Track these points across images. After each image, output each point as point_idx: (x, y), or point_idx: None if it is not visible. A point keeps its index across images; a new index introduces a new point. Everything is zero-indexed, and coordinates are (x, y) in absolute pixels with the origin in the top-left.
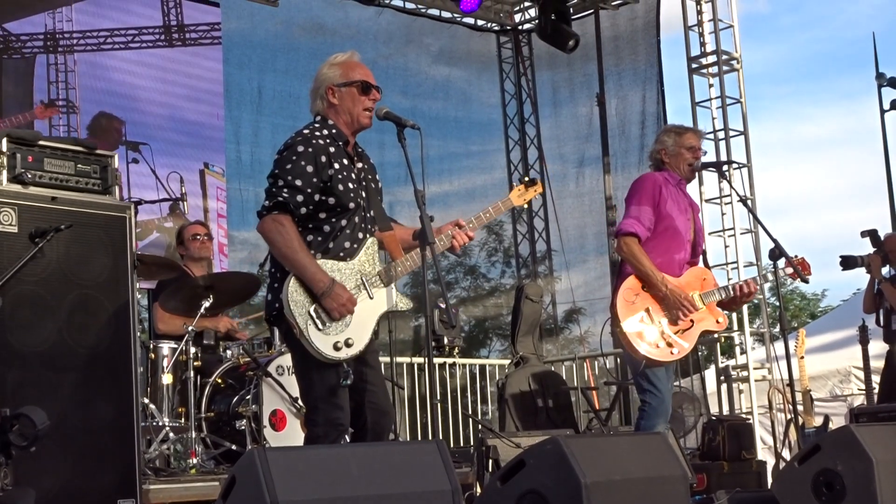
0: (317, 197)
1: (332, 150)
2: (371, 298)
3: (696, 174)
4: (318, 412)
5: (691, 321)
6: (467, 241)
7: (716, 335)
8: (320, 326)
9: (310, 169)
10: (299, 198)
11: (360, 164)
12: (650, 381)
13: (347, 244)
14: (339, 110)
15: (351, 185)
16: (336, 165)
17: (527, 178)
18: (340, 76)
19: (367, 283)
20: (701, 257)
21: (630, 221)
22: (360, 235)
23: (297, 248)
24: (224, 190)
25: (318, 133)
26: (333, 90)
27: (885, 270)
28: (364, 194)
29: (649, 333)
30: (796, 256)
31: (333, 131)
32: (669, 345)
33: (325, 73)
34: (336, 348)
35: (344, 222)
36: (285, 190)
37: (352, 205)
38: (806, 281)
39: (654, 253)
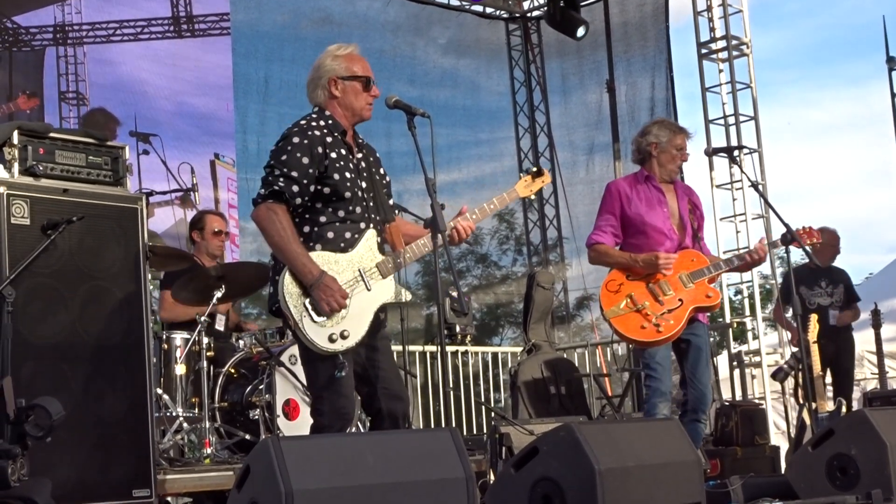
0: (312, 188)
1: (328, 140)
2: (369, 290)
3: (680, 171)
4: (323, 402)
5: (679, 300)
6: (467, 235)
7: (725, 321)
8: (315, 318)
9: (305, 160)
10: (295, 188)
11: (359, 155)
12: (647, 364)
13: (348, 234)
14: (341, 103)
15: (348, 175)
16: (333, 155)
17: (534, 169)
18: (345, 69)
19: (366, 274)
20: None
21: (594, 233)
22: (362, 226)
23: (290, 237)
24: (234, 180)
25: (314, 124)
26: (336, 82)
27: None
28: (364, 185)
29: (634, 317)
30: (803, 227)
31: (330, 122)
32: (656, 325)
33: (329, 64)
34: (331, 340)
35: (342, 213)
36: (281, 179)
37: (348, 194)
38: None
39: (643, 251)
